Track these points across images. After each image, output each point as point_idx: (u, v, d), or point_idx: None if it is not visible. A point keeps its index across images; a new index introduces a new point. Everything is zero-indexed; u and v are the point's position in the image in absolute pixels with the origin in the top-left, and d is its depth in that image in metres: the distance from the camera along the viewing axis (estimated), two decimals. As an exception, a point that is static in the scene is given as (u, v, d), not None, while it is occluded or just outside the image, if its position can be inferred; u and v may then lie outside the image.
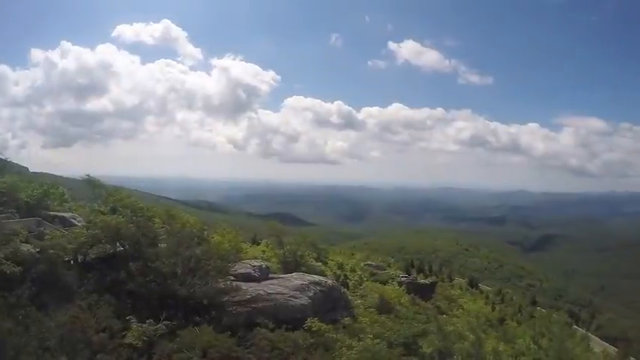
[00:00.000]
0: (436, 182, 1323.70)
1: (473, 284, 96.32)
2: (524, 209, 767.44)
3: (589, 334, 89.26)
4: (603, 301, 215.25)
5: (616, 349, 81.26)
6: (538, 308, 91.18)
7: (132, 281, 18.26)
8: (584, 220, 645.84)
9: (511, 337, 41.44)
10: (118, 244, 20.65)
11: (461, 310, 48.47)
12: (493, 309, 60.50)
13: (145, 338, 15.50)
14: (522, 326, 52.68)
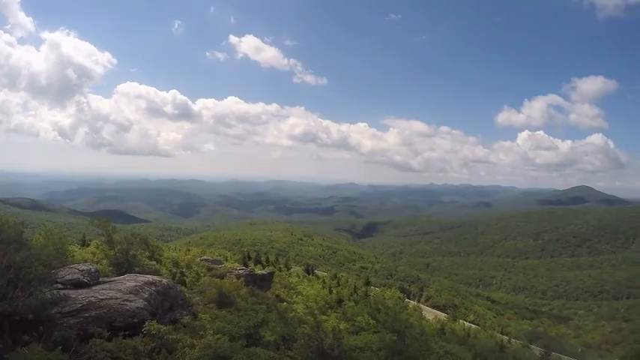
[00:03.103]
0: (269, 176, 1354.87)
1: (309, 271, 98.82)
2: (353, 200, 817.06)
3: (420, 304, 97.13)
4: (429, 276, 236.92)
5: (445, 314, 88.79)
6: (372, 287, 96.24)
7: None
8: (408, 208, 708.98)
9: (350, 316, 43.13)
10: None
11: (300, 297, 49.45)
12: (330, 292, 62.31)
13: (-31, 370, 13.62)
14: (360, 305, 54.85)
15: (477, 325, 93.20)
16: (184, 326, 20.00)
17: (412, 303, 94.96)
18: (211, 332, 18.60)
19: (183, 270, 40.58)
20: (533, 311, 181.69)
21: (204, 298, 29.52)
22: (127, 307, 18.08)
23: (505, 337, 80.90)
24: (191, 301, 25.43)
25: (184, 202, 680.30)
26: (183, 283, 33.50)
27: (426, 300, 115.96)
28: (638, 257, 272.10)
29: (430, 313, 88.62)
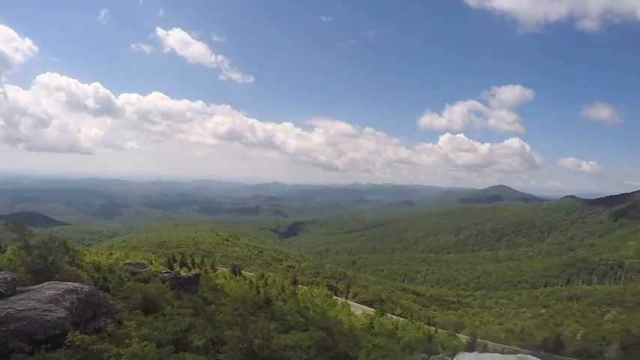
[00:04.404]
0: (193, 175, 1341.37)
1: (236, 272, 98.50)
2: (278, 199, 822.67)
3: (348, 301, 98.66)
4: (356, 273, 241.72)
5: (373, 309, 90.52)
6: (300, 286, 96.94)
7: None
8: (332, 208, 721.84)
9: (279, 316, 43.06)
10: None
11: (227, 298, 48.99)
12: (258, 292, 62.14)
13: None
14: (288, 304, 55.13)
15: (405, 317, 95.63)
16: (109, 335, 19.28)
17: (340, 300, 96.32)
18: (137, 340, 17.94)
19: (106, 275, 39.25)
20: (458, 302, 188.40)
21: (128, 304, 28.69)
22: (48, 318, 17.18)
23: (432, 328, 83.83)
24: (115, 308, 24.57)
25: (106, 203, 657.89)
26: (106, 289, 32.41)
27: (354, 296, 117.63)
28: (553, 249, 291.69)
29: (358, 309, 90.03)
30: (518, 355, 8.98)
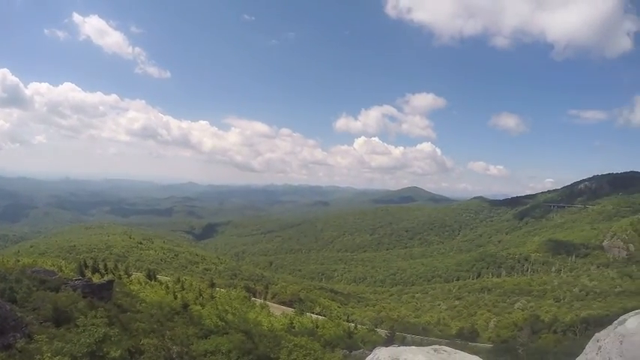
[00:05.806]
0: (105, 173, 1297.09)
1: (151, 276, 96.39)
2: (193, 200, 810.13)
3: (267, 302, 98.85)
4: (273, 274, 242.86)
5: (292, 309, 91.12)
6: (217, 289, 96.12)
7: None
8: (248, 208, 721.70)
9: (198, 320, 42.52)
10: None
11: (144, 305, 47.85)
12: (175, 297, 61.19)
13: None
14: (207, 308, 54.52)
15: (324, 316, 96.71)
16: (19, 351, 18.34)
17: (259, 301, 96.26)
18: (49, 355, 17.22)
19: (13, 285, 37.29)
20: (375, 298, 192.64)
21: (38, 316, 27.42)
22: (-49, 337, 16.17)
23: (352, 324, 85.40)
24: (24, 321, 23.43)
25: (11, 204, 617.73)
26: (14, 301, 30.83)
27: (272, 297, 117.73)
28: (464, 245, 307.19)
29: (277, 310, 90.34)
30: (434, 347, 9.24)
